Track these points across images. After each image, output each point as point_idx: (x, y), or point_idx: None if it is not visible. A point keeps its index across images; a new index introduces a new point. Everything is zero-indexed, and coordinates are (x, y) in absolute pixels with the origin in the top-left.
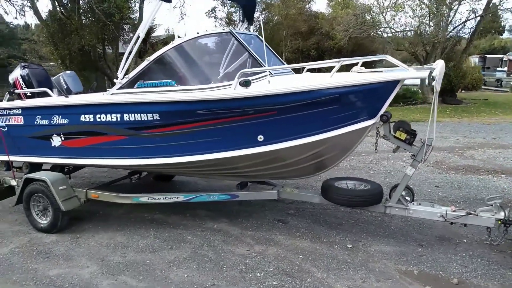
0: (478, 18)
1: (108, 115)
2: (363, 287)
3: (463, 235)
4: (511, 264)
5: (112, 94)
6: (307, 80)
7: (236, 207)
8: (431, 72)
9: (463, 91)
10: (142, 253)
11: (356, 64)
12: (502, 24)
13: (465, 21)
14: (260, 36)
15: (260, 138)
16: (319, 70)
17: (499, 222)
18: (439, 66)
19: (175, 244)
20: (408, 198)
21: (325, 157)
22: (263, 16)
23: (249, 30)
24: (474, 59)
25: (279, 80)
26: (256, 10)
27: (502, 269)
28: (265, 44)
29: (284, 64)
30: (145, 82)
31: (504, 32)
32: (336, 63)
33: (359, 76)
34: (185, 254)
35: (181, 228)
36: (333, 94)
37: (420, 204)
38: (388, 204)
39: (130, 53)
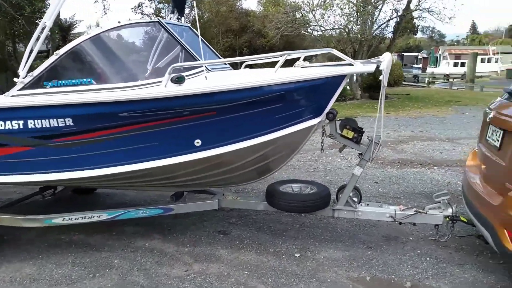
0: (400, 18)
1: (8, 122)
2: None
3: (409, 232)
4: (457, 260)
5: (12, 96)
6: (249, 77)
7: (170, 220)
8: (378, 66)
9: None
10: (56, 287)
11: (298, 58)
12: (416, 24)
13: (388, 20)
14: (193, 28)
15: (198, 142)
16: (251, 66)
17: (447, 218)
18: (386, 60)
19: (99, 271)
20: (355, 199)
21: (270, 160)
22: (193, 12)
23: (180, 22)
24: (393, 57)
25: (217, 77)
26: (187, 6)
27: (451, 266)
28: (200, 37)
29: (220, 59)
30: (54, 81)
31: (418, 32)
32: (279, 57)
33: (305, 72)
34: (111, 282)
35: (106, 250)
36: (279, 91)
37: (368, 204)
38: (336, 207)
39: (34, 46)
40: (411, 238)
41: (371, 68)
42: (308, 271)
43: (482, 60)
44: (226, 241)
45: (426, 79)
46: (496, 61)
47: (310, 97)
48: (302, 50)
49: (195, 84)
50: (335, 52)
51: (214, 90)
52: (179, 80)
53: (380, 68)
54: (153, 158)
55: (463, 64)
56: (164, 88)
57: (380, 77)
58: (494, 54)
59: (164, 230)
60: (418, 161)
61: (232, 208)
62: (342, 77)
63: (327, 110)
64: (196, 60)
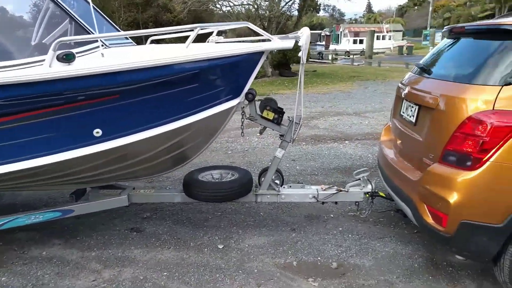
0: None
1: None
2: None
3: (329, 210)
4: (377, 234)
5: None
6: (157, 53)
7: (72, 221)
8: (297, 42)
9: (293, 64)
10: None
11: (211, 33)
12: (319, 2)
13: None
14: None
15: (97, 132)
16: (157, 42)
17: (367, 195)
18: (305, 35)
19: None
20: (278, 181)
21: (185, 148)
22: None
23: None
24: None
25: (117, 53)
26: None
27: (372, 241)
28: (93, 6)
29: (120, 32)
30: None
31: (320, 10)
32: (191, 30)
33: (221, 48)
34: None
35: None
36: (192, 70)
37: (290, 186)
38: (259, 192)
39: None
40: (332, 216)
41: (290, 44)
42: (233, 263)
43: (378, 38)
44: (140, 239)
45: (330, 56)
46: (389, 38)
47: (227, 76)
48: (216, 23)
49: (88, 63)
50: (251, 26)
51: (115, 69)
52: (67, 58)
53: (299, 43)
54: (42, 154)
55: (361, 41)
56: (48, 68)
57: (299, 54)
58: (387, 31)
59: (65, 233)
60: (330, 136)
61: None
62: (260, 53)
63: (246, 90)
64: (90, 34)
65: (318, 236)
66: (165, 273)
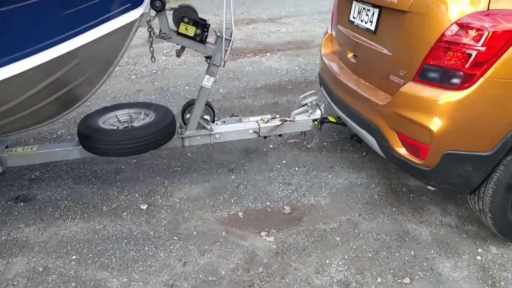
0: None
1: None
2: (187, 273)
3: (267, 140)
4: (325, 163)
5: None
6: None
7: None
8: None
9: None
10: None
11: None
12: None
13: None
14: None
15: None
16: None
17: (316, 122)
18: None
19: None
20: (207, 117)
21: (73, 85)
22: None
23: None
24: None
25: None
26: None
27: (322, 173)
28: None
29: None
30: None
31: None
32: None
33: None
34: None
35: None
36: None
37: (224, 122)
38: (186, 134)
39: None
40: (272, 147)
41: None
42: (164, 227)
43: None
44: (31, 211)
45: None
46: None
47: None
48: None
49: None
50: None
51: None
52: None
53: None
54: None
55: None
56: None
57: None
58: None
59: None
60: (249, 49)
61: None
62: None
63: None
64: None
65: (262, 175)
66: (74, 257)
